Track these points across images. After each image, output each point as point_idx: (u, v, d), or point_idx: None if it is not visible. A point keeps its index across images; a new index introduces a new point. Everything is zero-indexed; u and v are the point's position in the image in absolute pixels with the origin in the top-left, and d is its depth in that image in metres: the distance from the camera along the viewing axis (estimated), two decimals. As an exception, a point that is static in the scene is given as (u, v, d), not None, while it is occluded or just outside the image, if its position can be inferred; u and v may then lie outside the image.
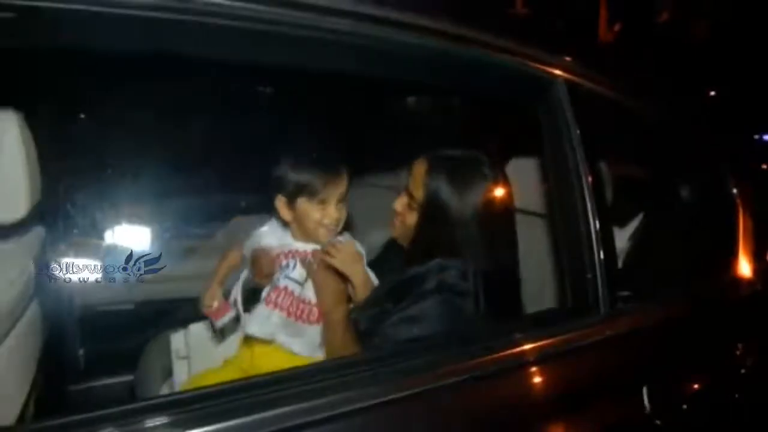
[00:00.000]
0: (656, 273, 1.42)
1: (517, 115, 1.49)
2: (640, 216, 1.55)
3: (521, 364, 1.08)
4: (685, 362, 1.28)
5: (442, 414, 0.97)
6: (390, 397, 0.93)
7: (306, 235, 1.43)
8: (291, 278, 1.38)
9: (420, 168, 1.38)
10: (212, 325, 1.47)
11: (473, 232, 1.30)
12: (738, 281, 1.47)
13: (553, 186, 1.26)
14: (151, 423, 0.79)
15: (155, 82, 1.78)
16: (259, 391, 0.88)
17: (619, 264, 1.45)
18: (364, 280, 1.37)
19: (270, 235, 1.50)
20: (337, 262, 1.36)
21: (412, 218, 1.39)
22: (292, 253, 1.43)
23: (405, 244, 1.43)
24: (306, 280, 1.39)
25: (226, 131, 2.16)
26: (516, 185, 1.66)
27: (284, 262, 1.40)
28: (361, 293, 1.36)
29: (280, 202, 1.43)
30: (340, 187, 1.40)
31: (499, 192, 1.35)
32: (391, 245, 1.55)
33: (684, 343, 1.29)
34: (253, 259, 1.44)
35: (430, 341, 1.16)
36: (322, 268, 1.37)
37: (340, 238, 1.42)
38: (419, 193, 1.36)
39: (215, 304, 1.42)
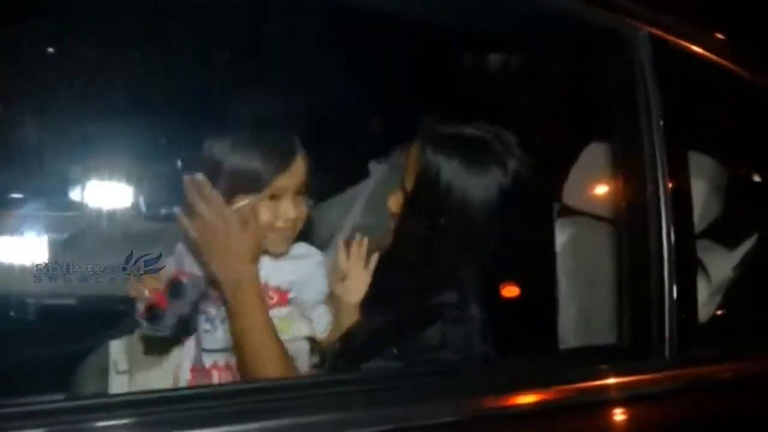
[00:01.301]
0: (759, 316, 1.40)
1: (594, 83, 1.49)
2: (755, 237, 1.53)
3: (552, 408, 1.11)
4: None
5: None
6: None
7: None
8: (212, 351, 1.40)
9: (414, 151, 1.35)
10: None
11: (478, 243, 1.27)
12: None
13: (620, 179, 1.27)
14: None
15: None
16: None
17: (718, 299, 1.45)
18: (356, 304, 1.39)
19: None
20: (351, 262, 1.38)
21: (411, 225, 1.35)
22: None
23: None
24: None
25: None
26: (588, 180, 1.67)
27: (203, 319, 1.39)
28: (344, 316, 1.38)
29: None
30: (298, 175, 1.36)
31: (522, 191, 1.31)
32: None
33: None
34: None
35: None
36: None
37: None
38: (410, 184, 1.33)
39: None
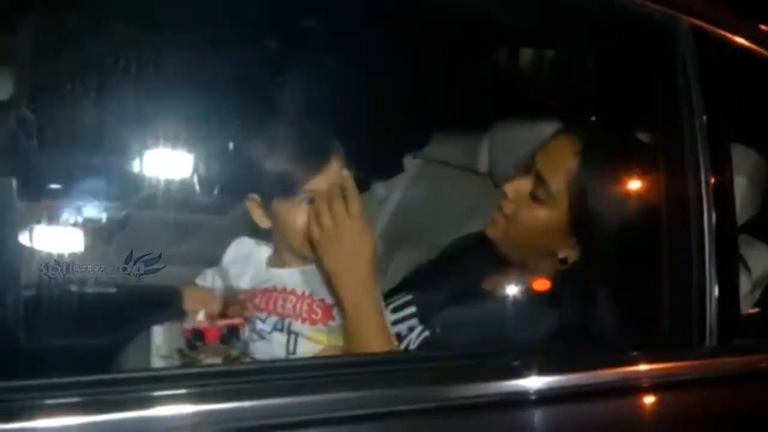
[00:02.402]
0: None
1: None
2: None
3: (594, 390, 1.13)
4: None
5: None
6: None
7: (291, 252, 1.38)
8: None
9: (563, 146, 1.38)
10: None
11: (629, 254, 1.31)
12: None
13: (661, 169, 1.28)
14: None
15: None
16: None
17: (759, 293, 1.47)
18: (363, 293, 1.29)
19: (241, 258, 1.44)
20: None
21: (531, 214, 1.38)
22: (274, 294, 1.37)
23: (507, 250, 1.43)
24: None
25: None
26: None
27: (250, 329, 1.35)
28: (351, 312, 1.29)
29: (253, 204, 1.38)
30: (334, 177, 1.33)
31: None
32: (472, 244, 1.58)
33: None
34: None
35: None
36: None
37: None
38: (557, 182, 1.35)
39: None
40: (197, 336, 1.28)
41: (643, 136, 1.45)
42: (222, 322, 1.30)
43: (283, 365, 1.17)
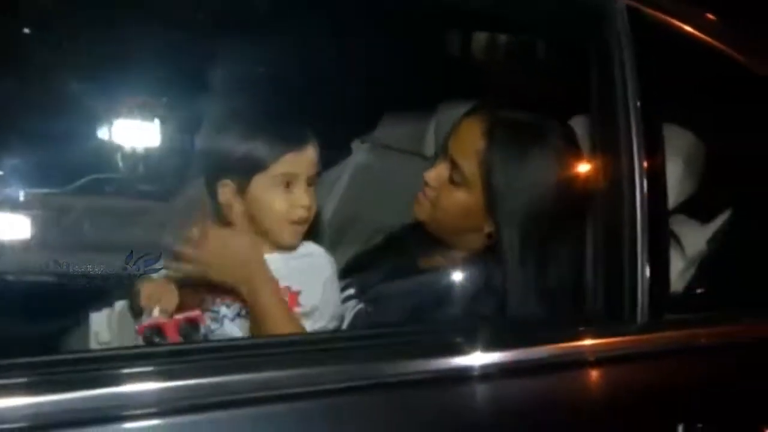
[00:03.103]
0: (735, 284, 1.45)
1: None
2: (729, 212, 1.58)
3: (526, 367, 1.16)
4: (745, 403, 1.31)
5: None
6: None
7: (263, 239, 1.38)
8: None
9: (470, 129, 1.41)
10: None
11: (544, 230, 1.35)
12: None
13: (596, 152, 1.31)
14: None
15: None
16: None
17: (693, 271, 1.50)
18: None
19: None
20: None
21: (451, 198, 1.42)
22: None
23: (434, 229, 1.47)
24: None
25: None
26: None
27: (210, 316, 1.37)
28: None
29: (227, 190, 1.38)
30: (311, 161, 1.37)
31: (576, 173, 1.40)
32: (409, 231, 1.61)
33: (750, 377, 1.33)
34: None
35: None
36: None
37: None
38: (469, 165, 1.39)
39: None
40: (155, 332, 1.27)
41: (566, 115, 1.50)
42: (180, 316, 1.29)
43: (221, 345, 1.18)
